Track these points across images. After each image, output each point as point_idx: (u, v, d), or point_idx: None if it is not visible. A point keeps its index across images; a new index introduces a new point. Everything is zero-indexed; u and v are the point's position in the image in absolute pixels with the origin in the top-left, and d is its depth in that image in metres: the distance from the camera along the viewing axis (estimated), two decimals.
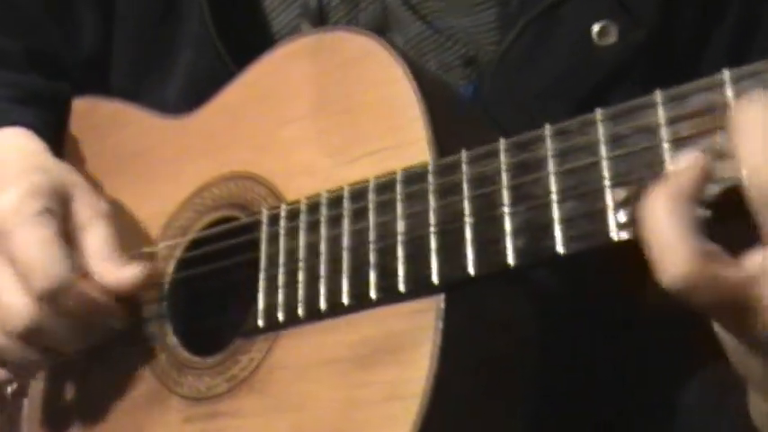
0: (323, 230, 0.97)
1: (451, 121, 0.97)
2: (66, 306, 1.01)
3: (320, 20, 1.11)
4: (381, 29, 1.09)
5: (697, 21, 1.04)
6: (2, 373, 1.09)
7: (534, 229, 0.83)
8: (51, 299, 1.00)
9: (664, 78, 1.02)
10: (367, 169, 0.96)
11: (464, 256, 0.87)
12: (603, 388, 1.03)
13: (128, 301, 1.06)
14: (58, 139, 1.21)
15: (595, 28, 1.01)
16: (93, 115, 1.24)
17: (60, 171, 1.09)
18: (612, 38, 1.01)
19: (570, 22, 1.02)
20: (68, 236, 1.04)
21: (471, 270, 0.86)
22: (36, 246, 1.01)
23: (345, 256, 0.94)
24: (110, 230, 1.06)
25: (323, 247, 0.96)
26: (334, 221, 0.96)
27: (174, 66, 1.19)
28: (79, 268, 1.03)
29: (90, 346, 1.06)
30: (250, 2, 1.15)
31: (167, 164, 1.14)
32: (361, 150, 0.98)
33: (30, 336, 1.02)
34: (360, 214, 0.94)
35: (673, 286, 0.70)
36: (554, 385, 0.96)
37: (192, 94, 1.16)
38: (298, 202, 1.00)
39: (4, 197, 1.03)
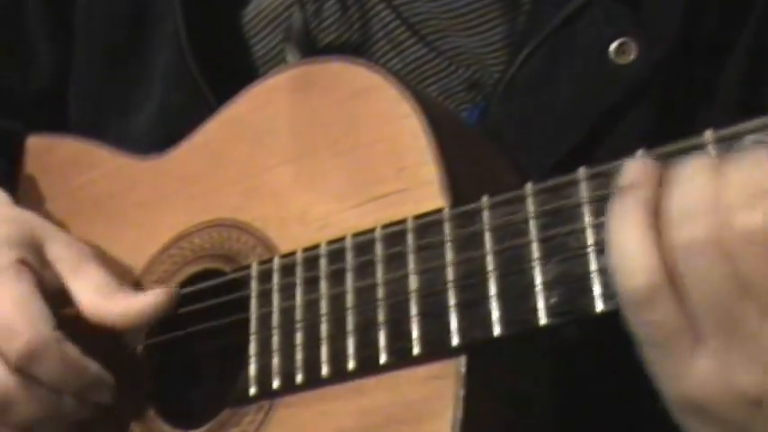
0: (323, 287, 0.94)
1: (466, 159, 0.95)
2: (45, 371, 0.96)
3: (307, 44, 1.09)
4: (377, 53, 1.08)
5: (717, 38, 1.04)
6: None
7: (569, 285, 0.81)
8: (28, 364, 0.95)
9: (683, 98, 1.03)
10: (372, 216, 0.94)
11: (488, 314, 0.85)
12: None
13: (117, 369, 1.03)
14: (12, 183, 1.18)
15: (613, 45, 1.00)
16: (51, 155, 1.21)
17: (27, 218, 1.05)
18: (631, 55, 1.00)
19: (585, 40, 1.01)
20: (48, 288, 1.00)
21: (497, 330, 0.84)
22: (12, 302, 0.96)
23: (350, 315, 0.92)
24: (101, 268, 1.03)
25: (324, 306, 0.93)
26: (336, 277, 0.94)
27: (144, 98, 1.17)
28: (72, 319, 0.99)
29: (71, 428, 1.01)
30: (229, 26, 1.13)
31: (139, 210, 1.11)
32: (364, 195, 0.95)
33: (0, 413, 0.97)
34: (365, 269, 0.92)
35: (631, 297, 0.72)
36: None
37: (163, 129, 1.14)
38: (293, 254, 0.97)
39: None
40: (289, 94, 1.03)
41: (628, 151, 0.81)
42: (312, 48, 1.09)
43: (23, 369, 0.95)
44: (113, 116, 1.19)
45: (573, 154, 0.99)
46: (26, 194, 1.18)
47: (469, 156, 0.97)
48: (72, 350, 0.97)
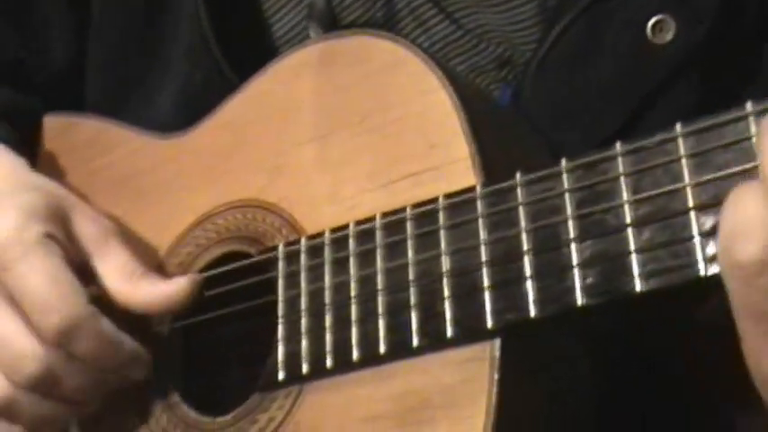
0: (352, 268, 0.94)
1: (497, 136, 0.94)
2: (83, 347, 0.97)
3: (331, 22, 1.08)
4: (402, 30, 1.07)
5: (760, 17, 1.02)
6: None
7: (607, 265, 0.81)
8: (66, 340, 0.96)
9: (724, 79, 1.01)
10: (401, 195, 0.93)
11: (523, 295, 0.84)
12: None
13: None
14: (32, 160, 1.17)
15: (650, 23, 0.99)
16: (70, 135, 1.20)
17: (52, 189, 1.05)
18: (669, 34, 0.99)
19: (621, 17, 1.00)
20: (74, 263, 1.00)
21: (532, 312, 0.83)
22: (44, 279, 0.96)
23: (381, 297, 0.91)
24: (125, 249, 1.03)
25: (353, 288, 0.93)
26: (366, 258, 0.93)
27: (164, 79, 1.16)
28: (95, 298, 1.00)
29: (107, 397, 1.02)
30: (250, 4, 1.12)
31: (161, 190, 1.11)
32: (393, 173, 0.95)
33: (43, 386, 0.97)
34: (396, 249, 0.92)
35: (750, 259, 0.68)
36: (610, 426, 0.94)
37: (185, 109, 1.13)
38: (320, 235, 0.97)
39: (2, 221, 0.98)
40: (313, 71, 1.03)
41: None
42: (335, 26, 1.08)
43: (62, 345, 0.96)
44: (133, 98, 1.19)
45: (612, 136, 0.98)
46: (45, 175, 1.18)
47: (501, 133, 0.96)
48: (107, 325, 0.98)
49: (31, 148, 1.19)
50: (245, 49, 1.11)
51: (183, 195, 1.09)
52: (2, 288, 0.98)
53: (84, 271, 1.03)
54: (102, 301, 1.02)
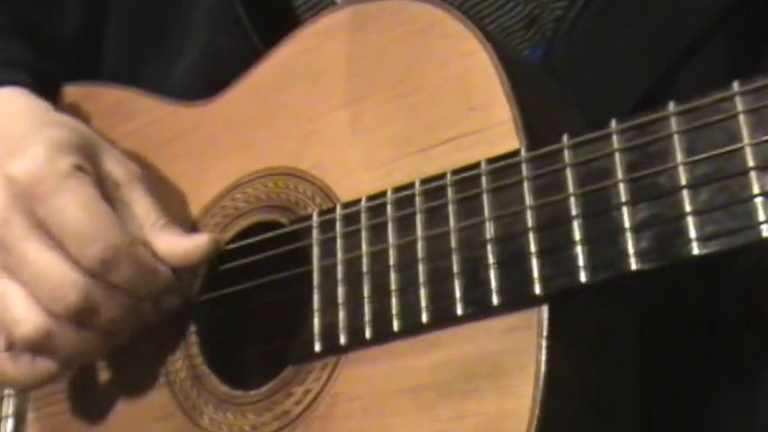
0: (391, 236, 0.90)
1: (538, 97, 0.91)
2: (122, 275, 0.95)
3: None
4: None
5: None
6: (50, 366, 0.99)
7: (661, 228, 0.78)
8: (106, 269, 0.94)
9: (760, 37, 0.98)
10: (441, 160, 0.90)
11: (572, 261, 0.81)
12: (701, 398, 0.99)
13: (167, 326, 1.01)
14: None
15: None
16: (90, 103, 1.17)
17: (79, 126, 1.02)
18: None
19: None
20: (104, 197, 0.98)
21: (583, 277, 0.80)
22: (81, 210, 0.94)
23: (422, 265, 0.88)
24: (151, 195, 1.00)
25: (392, 256, 0.90)
26: (405, 224, 0.90)
27: (185, 43, 1.13)
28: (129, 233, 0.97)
29: (145, 327, 1.00)
30: None
31: (188, 159, 1.08)
32: (431, 138, 0.91)
33: (84, 315, 0.95)
34: (436, 216, 0.88)
35: None
36: (654, 398, 0.91)
37: (207, 74, 1.10)
38: (356, 202, 0.93)
39: (28, 155, 0.96)
40: (344, 35, 0.99)
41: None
42: None
43: (102, 273, 0.94)
44: (152, 62, 1.16)
45: (644, 96, 0.95)
46: None
47: (541, 96, 0.93)
48: (144, 253, 0.97)
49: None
50: (270, 14, 1.08)
51: (209, 164, 1.06)
52: (38, 221, 0.95)
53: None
54: None
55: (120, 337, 0.99)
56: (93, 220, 0.94)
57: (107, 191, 0.99)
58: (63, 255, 0.94)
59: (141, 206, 0.99)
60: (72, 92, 1.19)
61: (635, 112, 0.81)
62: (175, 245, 0.99)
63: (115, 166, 1.01)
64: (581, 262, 0.81)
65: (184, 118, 1.09)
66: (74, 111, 1.17)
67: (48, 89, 1.15)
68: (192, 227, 1.05)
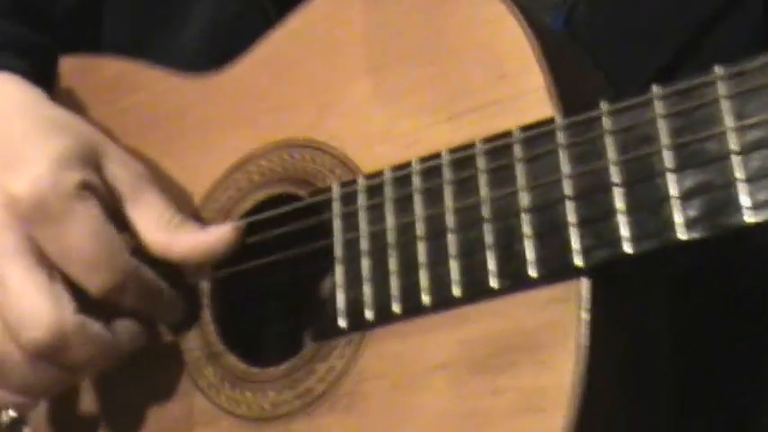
0: (418, 208, 0.86)
1: (569, 64, 0.87)
2: (127, 302, 0.91)
3: None
4: None
5: None
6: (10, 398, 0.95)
7: (710, 196, 0.74)
8: (113, 296, 0.90)
9: None
10: (467, 130, 0.86)
11: (614, 231, 0.77)
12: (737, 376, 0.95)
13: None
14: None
15: None
16: (90, 77, 1.11)
17: (80, 128, 0.96)
18: None
19: None
20: (110, 210, 0.93)
21: (628, 248, 0.77)
22: (87, 236, 0.89)
23: (452, 237, 0.84)
24: (161, 195, 0.95)
25: (420, 228, 0.86)
26: (433, 196, 0.86)
27: (192, 10, 1.08)
28: (132, 249, 0.93)
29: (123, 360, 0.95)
30: None
31: (197, 131, 1.02)
32: (457, 107, 0.87)
33: (50, 352, 0.89)
34: (467, 186, 0.84)
35: None
36: (690, 378, 0.88)
37: (216, 44, 1.05)
38: (380, 173, 0.89)
39: (31, 172, 0.90)
40: (364, 2, 0.95)
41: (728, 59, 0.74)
42: None
43: (110, 300, 0.90)
44: (156, 32, 1.11)
45: (668, 63, 0.92)
46: None
47: (572, 63, 0.89)
48: (149, 275, 0.93)
49: (50, 88, 1.10)
50: None
51: (220, 137, 1.01)
52: (33, 245, 0.90)
53: (118, 217, 0.95)
54: (138, 249, 0.95)
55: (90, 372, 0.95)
56: (98, 247, 0.90)
57: (114, 198, 0.94)
58: (47, 286, 0.89)
59: (153, 209, 0.95)
60: (70, 64, 1.13)
61: (654, 82, 0.78)
62: (196, 242, 0.94)
63: (121, 170, 0.95)
64: (624, 232, 0.77)
65: (191, 90, 1.04)
66: (72, 84, 1.12)
67: (44, 65, 1.09)
68: (202, 201, 1.00)
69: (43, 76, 1.07)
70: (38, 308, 0.88)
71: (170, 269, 0.96)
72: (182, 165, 1.02)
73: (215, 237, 0.94)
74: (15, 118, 0.97)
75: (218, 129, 1.01)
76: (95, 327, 0.91)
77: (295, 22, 0.99)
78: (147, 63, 1.08)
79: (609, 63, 0.92)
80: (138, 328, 0.95)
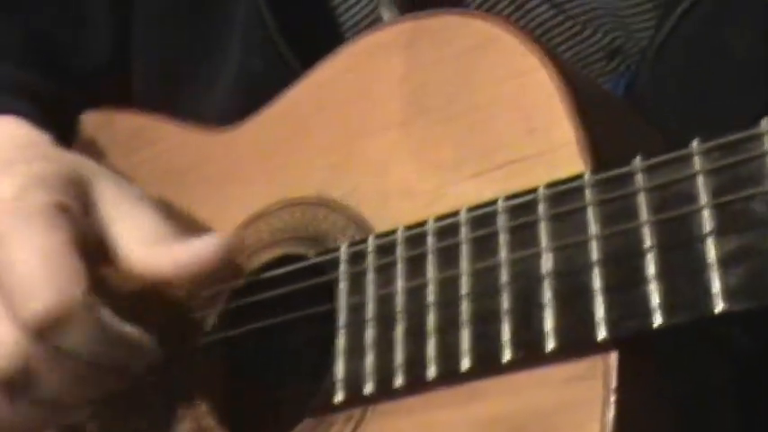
0: (430, 270, 0.77)
1: (606, 120, 0.78)
2: (73, 342, 0.78)
3: (409, 2, 0.93)
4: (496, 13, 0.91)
5: None
6: None
7: (754, 262, 0.64)
8: (49, 332, 0.77)
9: None
10: (493, 187, 0.77)
11: (645, 300, 0.67)
12: None
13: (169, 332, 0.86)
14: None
15: None
16: (109, 130, 1.05)
17: (72, 158, 0.88)
18: None
19: None
20: (89, 238, 0.82)
21: (659, 319, 0.66)
22: (34, 257, 0.77)
23: (466, 303, 0.74)
24: (153, 213, 0.84)
25: (431, 293, 0.76)
26: (448, 257, 0.76)
27: (219, 66, 1.01)
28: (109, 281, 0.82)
29: (100, 397, 0.83)
30: None
31: (209, 186, 0.95)
32: (483, 163, 0.78)
33: (15, 383, 0.78)
34: (485, 245, 0.75)
35: None
36: None
37: (242, 99, 0.98)
38: (393, 232, 0.80)
39: (3, 180, 0.81)
40: (389, 54, 0.87)
41: None
42: (413, 7, 0.92)
43: (44, 337, 0.77)
44: (185, 87, 1.04)
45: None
46: None
47: (610, 119, 0.80)
48: (107, 316, 0.79)
49: (64, 137, 1.03)
50: (309, 38, 0.96)
51: (233, 192, 0.93)
52: None
53: (103, 244, 0.84)
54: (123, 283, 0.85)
55: (75, 411, 0.83)
56: (43, 271, 0.77)
57: (100, 222, 0.84)
58: (4, 306, 0.78)
59: (140, 226, 0.83)
60: (91, 118, 1.07)
61: None
62: (181, 253, 0.82)
63: (110, 188, 0.85)
64: (656, 301, 0.66)
65: (209, 144, 0.97)
66: (89, 138, 1.05)
67: (57, 116, 1.03)
68: None
69: (54, 123, 1.00)
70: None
71: (166, 330, 0.87)
72: (191, 220, 0.94)
73: (198, 247, 0.83)
74: (13, 148, 0.90)
75: (231, 183, 0.94)
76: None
77: (318, 74, 0.91)
78: (169, 117, 1.02)
79: (676, 126, 0.83)
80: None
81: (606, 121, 0.78)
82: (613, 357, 0.67)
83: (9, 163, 0.84)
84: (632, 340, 0.67)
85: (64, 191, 0.81)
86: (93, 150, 1.04)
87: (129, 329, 0.81)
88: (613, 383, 0.67)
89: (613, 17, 0.90)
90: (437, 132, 0.82)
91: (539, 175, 0.75)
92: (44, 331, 0.77)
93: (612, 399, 0.66)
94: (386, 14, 0.94)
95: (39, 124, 0.95)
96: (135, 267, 0.82)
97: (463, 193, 0.78)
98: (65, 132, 1.02)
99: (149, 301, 0.88)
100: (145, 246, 0.82)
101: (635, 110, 0.83)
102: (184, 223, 0.92)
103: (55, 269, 0.77)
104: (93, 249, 0.82)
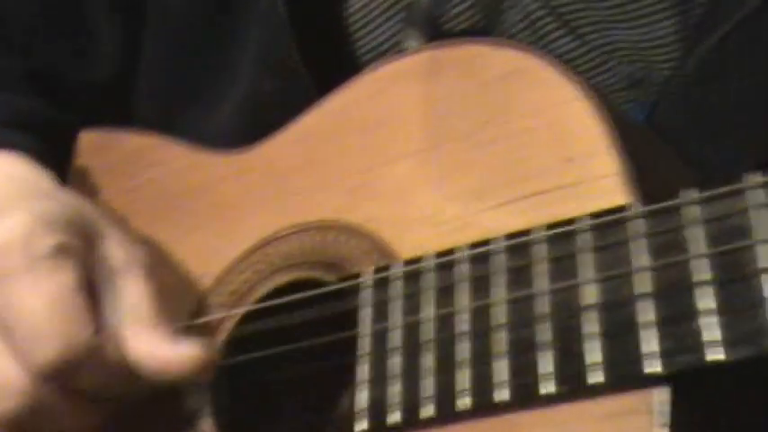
0: (462, 297, 0.74)
1: (644, 150, 0.76)
2: (85, 383, 0.77)
3: (433, 31, 0.91)
4: None
5: None
6: None
7: None
8: (61, 373, 0.76)
9: None
10: (525, 216, 0.75)
11: (698, 334, 0.64)
12: None
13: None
14: (63, 177, 0.97)
15: None
16: (108, 152, 1.00)
17: (76, 202, 0.85)
18: None
19: None
20: (91, 285, 0.79)
21: (712, 354, 0.64)
22: (43, 302, 0.76)
23: (502, 333, 0.71)
24: (151, 286, 0.81)
25: (463, 322, 0.73)
26: (483, 285, 0.73)
27: (228, 86, 0.98)
28: (105, 328, 0.78)
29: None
30: (337, 13, 0.95)
31: (217, 210, 0.91)
32: (514, 191, 0.76)
33: (23, 423, 0.76)
34: (523, 275, 0.72)
35: None
36: None
37: (251, 121, 0.95)
38: (421, 258, 0.77)
39: (6, 222, 0.78)
40: (414, 81, 0.84)
41: None
42: (438, 35, 0.91)
43: (53, 379, 0.76)
44: (190, 107, 1.01)
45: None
46: (77, 193, 0.97)
47: (648, 150, 0.78)
48: (116, 355, 0.78)
49: (63, 167, 0.99)
50: (329, 60, 0.93)
51: (242, 216, 0.89)
52: None
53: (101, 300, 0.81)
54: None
55: None
56: (53, 314, 0.76)
57: (99, 276, 0.81)
58: (9, 349, 0.76)
59: (132, 296, 0.80)
60: (88, 139, 1.02)
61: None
62: (156, 351, 0.79)
63: (116, 250, 0.82)
64: (709, 335, 0.64)
65: (216, 167, 0.93)
66: (87, 160, 1.01)
67: (59, 142, 0.99)
68: (214, 284, 0.88)
69: (55, 153, 0.96)
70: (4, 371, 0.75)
71: None
72: (197, 243, 0.90)
73: (177, 353, 0.79)
74: (12, 184, 0.87)
75: (240, 207, 0.90)
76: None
77: (337, 100, 0.88)
78: (172, 138, 0.98)
79: (696, 159, 0.82)
80: None
81: (644, 153, 0.76)
82: (664, 392, 0.65)
83: (10, 200, 0.82)
84: (683, 375, 0.65)
85: (69, 234, 0.79)
86: (90, 173, 1.00)
87: (134, 361, 0.78)
88: (663, 419, 0.64)
89: (635, 50, 0.89)
90: (462, 160, 0.79)
91: (575, 205, 0.72)
92: (54, 375, 0.76)
93: None
94: (410, 40, 0.92)
95: (38, 159, 0.92)
96: (127, 344, 0.79)
97: (491, 222, 0.76)
98: (65, 159, 0.98)
99: None
100: (125, 325, 0.79)
101: (659, 138, 0.82)
102: (186, 253, 0.88)
103: (62, 315, 0.76)
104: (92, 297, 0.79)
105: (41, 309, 0.76)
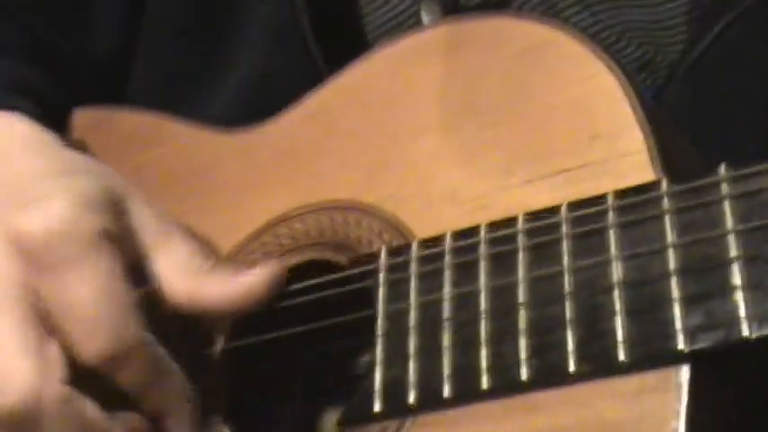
0: (483, 276, 0.72)
1: (670, 128, 0.75)
2: (130, 378, 0.75)
3: (452, 4, 0.90)
4: None
5: None
6: None
7: None
8: (113, 366, 0.74)
9: None
10: (549, 194, 0.73)
11: (730, 311, 0.63)
12: None
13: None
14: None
15: None
16: (107, 129, 0.98)
17: (104, 171, 0.82)
18: None
19: None
20: (129, 261, 0.78)
21: (745, 330, 0.62)
22: (95, 293, 0.74)
23: (523, 312, 0.69)
24: (191, 241, 0.81)
25: (483, 300, 0.71)
26: (503, 263, 0.72)
27: (232, 64, 0.96)
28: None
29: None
30: None
31: (225, 190, 0.89)
32: (539, 169, 0.74)
33: (21, 424, 0.73)
34: (546, 253, 0.70)
35: None
36: None
37: (257, 98, 0.94)
38: (439, 238, 0.75)
39: (49, 208, 0.75)
40: (435, 55, 0.83)
41: None
42: (456, 9, 0.89)
43: (107, 371, 0.74)
44: (190, 86, 0.98)
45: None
46: None
47: (671, 129, 0.76)
48: (159, 351, 0.76)
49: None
50: (340, 36, 0.91)
51: (251, 196, 0.87)
52: (33, 293, 0.75)
53: (138, 269, 0.80)
54: (152, 307, 0.79)
55: None
56: (105, 309, 0.74)
57: (137, 249, 0.80)
58: (35, 344, 0.74)
59: (178, 255, 0.80)
60: (84, 117, 0.99)
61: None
62: (227, 288, 0.78)
63: (146, 216, 0.81)
64: (742, 312, 0.62)
65: (223, 145, 0.91)
66: (85, 137, 0.98)
67: (56, 113, 0.96)
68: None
69: (52, 122, 0.94)
70: (16, 370, 0.72)
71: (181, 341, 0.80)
72: (205, 223, 0.88)
73: (247, 284, 0.79)
74: (26, 157, 0.84)
75: (250, 188, 0.88)
76: (83, 404, 0.74)
77: (350, 77, 0.87)
78: (172, 116, 0.95)
79: (703, 143, 0.81)
80: (137, 420, 0.77)
81: (669, 131, 0.74)
82: (685, 369, 0.63)
83: (34, 178, 0.79)
84: (712, 352, 0.63)
85: (107, 214, 0.77)
86: (90, 149, 0.97)
87: (174, 365, 0.77)
88: (686, 394, 0.62)
89: (645, 31, 0.88)
90: (486, 137, 0.77)
91: (602, 183, 0.71)
92: (105, 366, 0.74)
93: (684, 411, 0.62)
94: (427, 14, 0.90)
95: (39, 123, 0.89)
96: (179, 300, 0.79)
97: (514, 200, 0.74)
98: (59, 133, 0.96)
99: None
100: (187, 278, 0.79)
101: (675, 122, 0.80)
102: (197, 233, 0.86)
103: (114, 305, 0.75)
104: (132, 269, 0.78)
105: (93, 301, 0.74)
